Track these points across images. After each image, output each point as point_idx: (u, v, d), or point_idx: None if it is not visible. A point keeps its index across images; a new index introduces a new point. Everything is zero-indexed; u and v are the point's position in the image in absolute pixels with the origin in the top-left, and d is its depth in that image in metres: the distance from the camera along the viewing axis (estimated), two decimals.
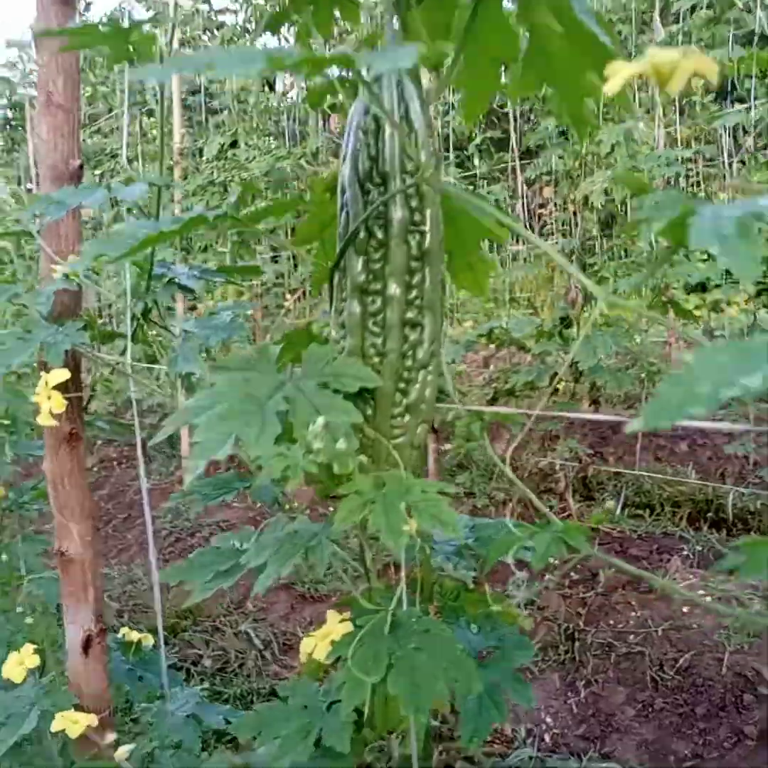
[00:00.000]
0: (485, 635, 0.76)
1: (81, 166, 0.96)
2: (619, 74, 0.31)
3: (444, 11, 0.63)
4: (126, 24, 0.82)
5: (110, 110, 4.65)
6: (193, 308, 4.16)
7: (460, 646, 0.60)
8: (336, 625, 0.61)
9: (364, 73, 0.70)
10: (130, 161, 4.95)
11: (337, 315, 0.53)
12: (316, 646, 0.61)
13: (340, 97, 0.73)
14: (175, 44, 3.21)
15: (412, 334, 0.48)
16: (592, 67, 0.68)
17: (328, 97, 0.84)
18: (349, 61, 0.37)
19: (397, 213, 0.48)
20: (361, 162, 0.51)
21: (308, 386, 0.47)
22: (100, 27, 0.78)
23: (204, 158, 3.99)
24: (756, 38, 2.63)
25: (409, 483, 0.47)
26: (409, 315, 0.48)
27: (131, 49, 0.83)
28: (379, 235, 0.49)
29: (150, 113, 4.78)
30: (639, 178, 0.37)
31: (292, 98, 4.30)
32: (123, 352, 0.95)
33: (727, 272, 3.54)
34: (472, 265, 0.72)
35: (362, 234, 0.50)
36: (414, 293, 0.48)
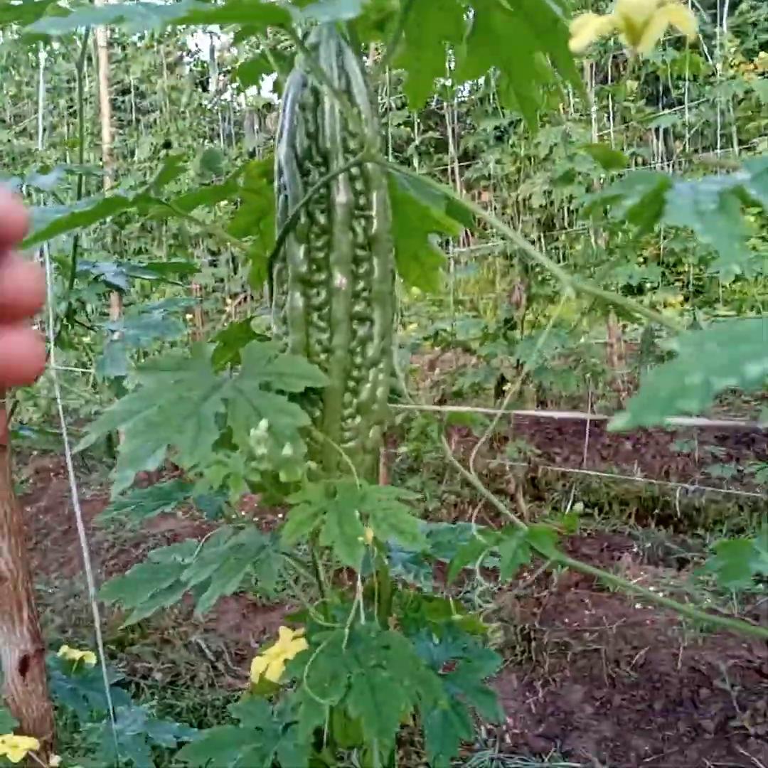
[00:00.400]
0: (448, 646, 0.72)
1: None
2: (586, 27, 0.28)
3: None
4: None
5: (37, 111, 4.46)
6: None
7: (423, 661, 0.56)
8: (289, 643, 0.55)
9: (300, 34, 0.64)
10: (56, 160, 4.76)
11: (279, 309, 0.47)
12: (268, 665, 0.55)
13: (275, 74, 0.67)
14: (100, 36, 3.09)
15: (361, 328, 0.43)
16: (541, 47, 0.64)
17: (263, 86, 0.77)
18: (283, 15, 0.31)
19: (341, 195, 0.43)
20: (298, 139, 0.45)
21: (248, 386, 0.42)
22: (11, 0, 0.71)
23: (136, 159, 3.86)
24: (688, 41, 2.67)
25: (364, 490, 0.42)
26: (357, 308, 0.43)
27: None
28: (322, 220, 0.44)
29: (74, 114, 4.62)
30: (610, 149, 0.33)
31: (226, 99, 4.21)
32: (47, 357, 0.86)
33: (664, 274, 3.60)
34: (419, 257, 0.66)
35: (303, 219, 0.45)
36: (361, 284, 0.43)
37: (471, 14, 0.64)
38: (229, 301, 4.64)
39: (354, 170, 0.43)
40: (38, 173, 0.80)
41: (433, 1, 0.60)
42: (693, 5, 2.84)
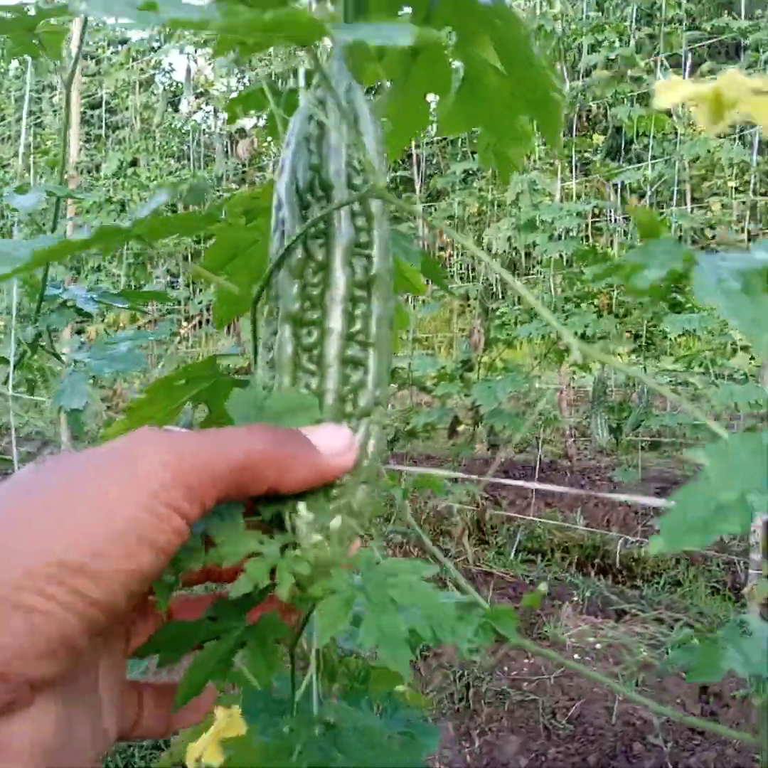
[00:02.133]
0: (389, 719, 0.69)
1: None
2: (674, 91, 0.27)
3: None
4: (32, 12, 0.73)
5: (2, 118, 4.38)
6: (80, 332, 3.94)
7: (382, 739, 0.52)
8: (227, 726, 0.50)
9: (323, 58, 0.64)
10: (22, 175, 4.67)
11: (266, 352, 0.43)
12: (206, 750, 0.50)
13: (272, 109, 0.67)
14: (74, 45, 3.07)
15: (354, 374, 0.40)
16: (526, 110, 0.65)
17: (240, 117, 0.77)
18: (319, 29, 0.28)
19: (342, 230, 0.41)
20: (301, 172, 0.42)
21: None
22: (3, 12, 0.69)
23: (102, 174, 3.81)
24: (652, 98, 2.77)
25: (389, 567, 0.38)
26: (351, 352, 0.40)
27: (37, 42, 0.74)
28: (319, 256, 0.41)
29: (40, 124, 4.55)
30: (651, 217, 0.33)
31: (197, 120, 4.20)
32: (5, 381, 0.84)
33: (615, 326, 3.69)
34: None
35: (299, 254, 0.42)
36: (357, 326, 0.40)
37: (460, 72, 0.65)
38: (184, 323, 4.58)
39: (356, 206, 0.42)
40: (16, 192, 0.78)
41: (426, 55, 0.61)
42: (662, 64, 2.97)
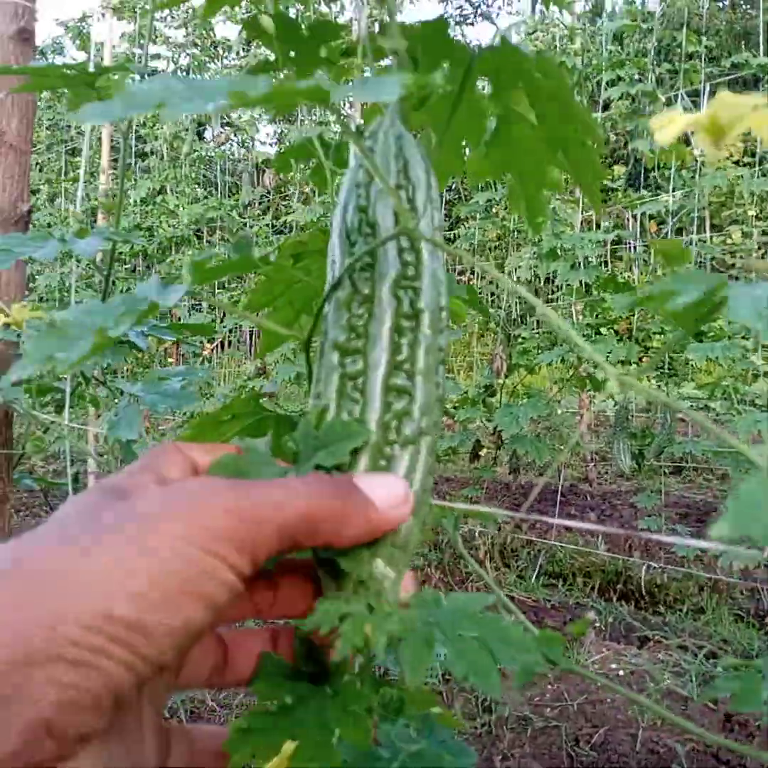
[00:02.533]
0: (428, 741, 0.71)
1: (30, 211, 0.91)
2: (673, 125, 0.29)
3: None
4: (92, 68, 0.79)
5: (34, 145, 4.52)
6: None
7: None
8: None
9: (353, 123, 0.68)
10: (51, 199, 4.80)
11: (317, 383, 0.46)
12: None
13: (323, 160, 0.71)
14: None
15: (398, 402, 0.40)
16: (561, 159, 0.67)
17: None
18: (322, 93, 0.31)
19: (387, 264, 0.43)
20: (350, 214, 0.45)
21: (306, 469, 0.40)
22: (65, 69, 0.75)
23: (131, 201, 3.91)
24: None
25: (454, 600, 0.38)
26: (396, 380, 0.40)
27: (96, 94, 0.80)
28: (366, 289, 0.43)
29: (73, 151, 4.67)
30: (676, 246, 0.35)
31: (224, 149, 4.30)
32: (59, 410, 0.88)
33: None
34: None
35: (348, 288, 0.44)
36: (403, 355, 0.41)
37: (493, 121, 0.68)
38: (207, 345, 4.65)
39: (404, 243, 0.43)
40: (76, 236, 0.83)
41: (464, 106, 0.64)
42: (679, 98, 3.01)
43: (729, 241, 4.12)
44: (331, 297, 0.46)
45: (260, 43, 0.55)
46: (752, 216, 3.88)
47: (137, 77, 0.87)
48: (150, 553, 0.27)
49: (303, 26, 0.54)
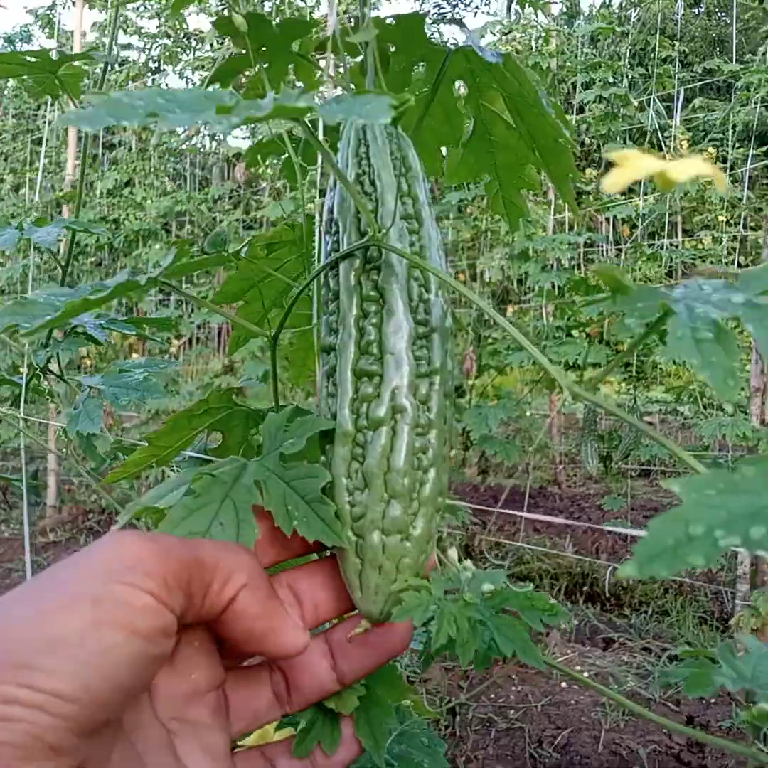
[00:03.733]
0: (400, 731, 0.71)
1: None
2: (627, 172, 0.28)
3: (401, 85, 0.61)
4: (54, 56, 0.76)
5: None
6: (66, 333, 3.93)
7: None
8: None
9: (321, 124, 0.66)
10: (16, 189, 4.69)
11: (324, 385, 0.44)
12: None
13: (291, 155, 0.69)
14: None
15: (368, 386, 0.39)
16: (538, 162, 0.66)
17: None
18: (301, 112, 0.30)
19: (352, 257, 0.42)
20: (325, 213, 0.45)
21: (272, 462, 0.40)
22: (27, 57, 0.72)
23: (97, 193, 3.82)
24: (649, 135, 2.83)
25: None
26: (363, 365, 0.39)
27: (58, 82, 0.77)
28: (333, 285, 0.43)
29: (40, 141, 4.57)
30: (617, 273, 0.34)
31: (195, 142, 4.24)
32: (13, 402, 0.85)
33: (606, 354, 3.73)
34: None
35: (324, 288, 0.44)
36: (370, 336, 0.40)
37: (471, 123, 0.67)
38: (174, 341, 4.58)
39: (372, 252, 0.42)
40: (35, 225, 0.79)
41: (440, 107, 0.63)
42: (652, 102, 3.03)
43: (699, 246, 4.17)
44: (297, 302, 0.46)
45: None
46: (722, 222, 3.92)
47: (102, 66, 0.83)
48: (60, 594, 0.28)
49: (274, 23, 0.52)
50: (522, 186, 0.71)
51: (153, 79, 4.94)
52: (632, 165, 0.29)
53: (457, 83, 0.64)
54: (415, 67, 0.58)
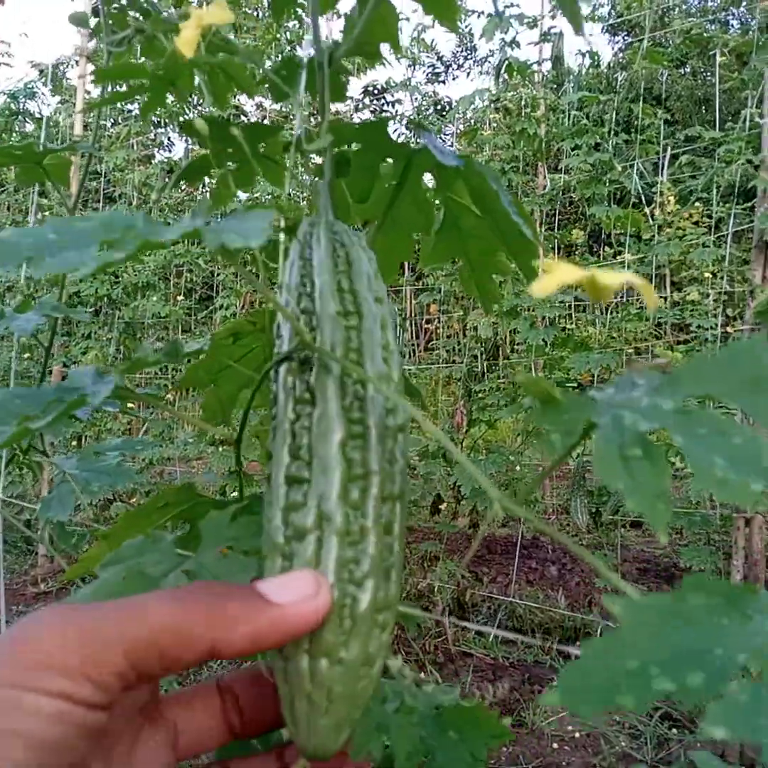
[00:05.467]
0: None
1: None
2: (555, 277, 0.30)
3: (364, 182, 0.65)
4: (40, 148, 0.80)
5: (1, 185, 4.50)
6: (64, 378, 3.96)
7: None
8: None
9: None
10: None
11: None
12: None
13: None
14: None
15: (297, 493, 0.36)
16: (505, 248, 0.69)
17: None
18: (197, 233, 0.31)
19: (285, 375, 0.41)
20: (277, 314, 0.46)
21: (209, 557, 0.42)
22: (13, 150, 0.76)
23: None
24: (632, 199, 2.92)
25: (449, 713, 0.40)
26: (292, 470, 0.37)
27: (43, 171, 0.81)
28: (274, 388, 0.42)
29: (43, 193, 4.66)
30: (544, 384, 0.34)
31: (197, 194, 4.33)
32: None
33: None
34: None
35: (271, 394, 0.43)
36: (301, 441, 0.38)
37: (441, 212, 0.71)
38: (170, 388, 4.61)
39: (308, 327, 0.41)
40: (16, 312, 0.83)
41: (409, 198, 0.67)
42: (635, 167, 3.13)
43: (688, 298, 4.25)
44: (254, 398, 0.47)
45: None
46: (709, 277, 4.01)
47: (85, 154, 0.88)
48: None
49: (236, 129, 0.56)
50: (494, 271, 0.73)
51: (156, 134, 5.07)
52: (560, 272, 0.30)
53: (427, 175, 0.68)
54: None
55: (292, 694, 0.34)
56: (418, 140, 0.54)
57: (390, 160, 0.63)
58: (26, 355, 3.66)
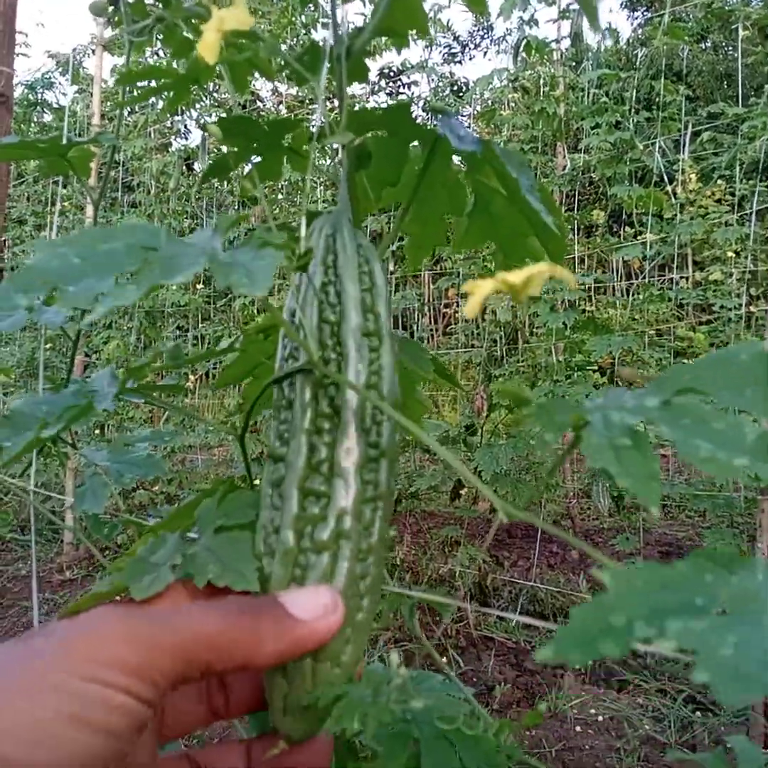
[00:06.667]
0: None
1: (1, 271, 0.91)
2: (477, 294, 0.30)
3: (393, 167, 0.64)
4: (64, 141, 0.80)
5: (20, 176, 4.53)
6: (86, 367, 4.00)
7: None
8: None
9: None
10: (38, 229, 4.81)
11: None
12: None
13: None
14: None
15: (315, 506, 0.38)
16: (534, 233, 0.68)
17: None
18: (155, 289, 0.32)
19: (303, 385, 0.41)
20: (287, 312, 0.44)
21: (205, 538, 0.42)
22: (39, 144, 0.76)
23: None
24: (654, 178, 2.88)
25: (434, 706, 0.39)
26: (312, 485, 0.38)
27: (67, 163, 0.81)
28: (291, 395, 0.42)
29: (64, 184, 4.69)
30: (518, 390, 0.36)
31: (213, 184, 4.34)
32: (23, 473, 0.88)
33: (618, 384, 3.75)
34: (407, 406, 0.72)
35: (278, 394, 0.43)
36: (321, 456, 0.39)
37: (472, 195, 0.69)
38: (191, 376, 4.64)
39: (329, 339, 0.41)
40: (45, 304, 0.83)
41: (438, 181, 0.66)
42: (657, 145, 3.07)
43: (710, 278, 4.19)
44: (262, 401, 0.47)
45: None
46: (732, 256, 3.94)
47: (107, 145, 0.87)
48: (33, 693, 0.28)
49: (264, 122, 0.56)
50: (525, 256, 0.72)
51: (172, 122, 5.07)
52: (478, 290, 0.31)
53: (457, 158, 0.67)
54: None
55: (292, 689, 0.37)
56: (437, 125, 0.53)
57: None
58: (48, 345, 3.70)
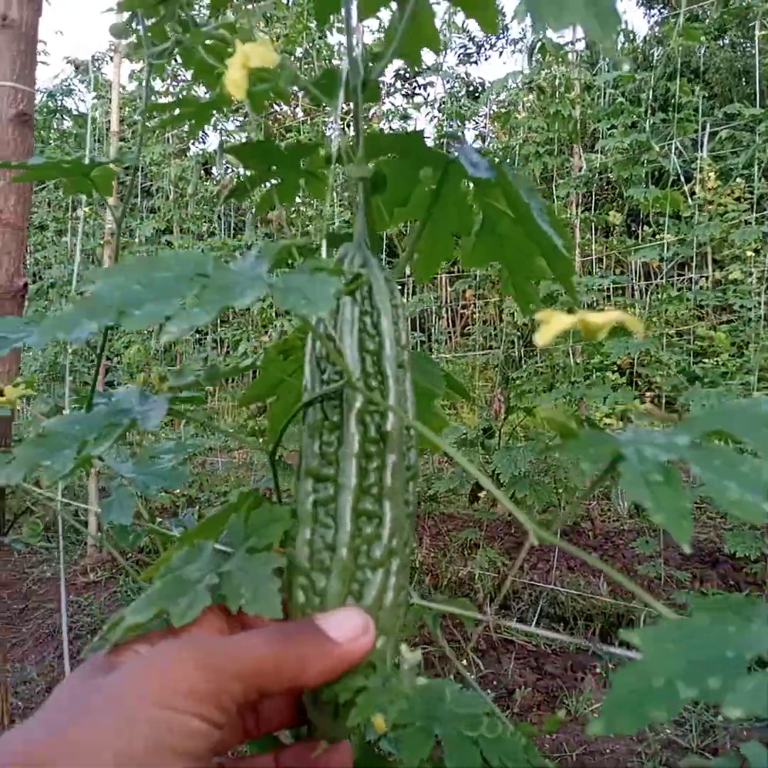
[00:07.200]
0: None
1: (25, 285, 0.93)
2: (553, 326, 0.31)
3: (404, 188, 0.66)
4: (87, 149, 0.82)
5: (42, 183, 4.59)
6: (109, 385, 4.04)
7: None
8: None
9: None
10: (59, 234, 4.87)
11: (295, 503, 0.45)
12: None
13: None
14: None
15: (368, 526, 0.41)
16: (541, 254, 0.69)
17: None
18: (224, 308, 0.34)
19: (354, 393, 0.44)
20: (319, 342, 0.46)
21: (238, 557, 0.43)
22: (63, 164, 0.78)
23: (136, 240, 3.96)
24: (671, 178, 2.86)
25: (454, 701, 0.43)
26: (365, 505, 0.41)
27: (90, 182, 0.83)
28: (334, 417, 0.44)
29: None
30: (564, 421, 0.37)
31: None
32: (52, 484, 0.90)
33: (637, 386, 3.73)
34: (424, 421, 0.73)
35: (318, 415, 0.45)
36: (371, 479, 0.42)
37: (480, 215, 0.71)
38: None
39: (371, 367, 0.44)
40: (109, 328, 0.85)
41: (449, 202, 0.67)
42: (673, 147, 3.06)
43: (730, 277, 4.15)
44: (304, 422, 0.47)
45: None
46: (751, 256, 3.91)
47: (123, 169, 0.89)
48: (123, 725, 0.30)
49: (282, 146, 0.57)
50: (531, 276, 0.74)
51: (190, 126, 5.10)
52: (555, 322, 0.32)
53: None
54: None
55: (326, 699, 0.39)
56: (451, 151, 0.55)
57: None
58: (71, 350, 3.75)
